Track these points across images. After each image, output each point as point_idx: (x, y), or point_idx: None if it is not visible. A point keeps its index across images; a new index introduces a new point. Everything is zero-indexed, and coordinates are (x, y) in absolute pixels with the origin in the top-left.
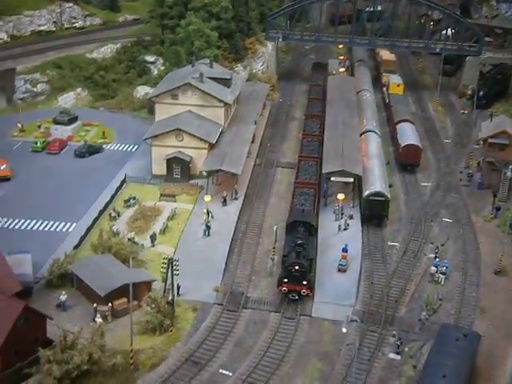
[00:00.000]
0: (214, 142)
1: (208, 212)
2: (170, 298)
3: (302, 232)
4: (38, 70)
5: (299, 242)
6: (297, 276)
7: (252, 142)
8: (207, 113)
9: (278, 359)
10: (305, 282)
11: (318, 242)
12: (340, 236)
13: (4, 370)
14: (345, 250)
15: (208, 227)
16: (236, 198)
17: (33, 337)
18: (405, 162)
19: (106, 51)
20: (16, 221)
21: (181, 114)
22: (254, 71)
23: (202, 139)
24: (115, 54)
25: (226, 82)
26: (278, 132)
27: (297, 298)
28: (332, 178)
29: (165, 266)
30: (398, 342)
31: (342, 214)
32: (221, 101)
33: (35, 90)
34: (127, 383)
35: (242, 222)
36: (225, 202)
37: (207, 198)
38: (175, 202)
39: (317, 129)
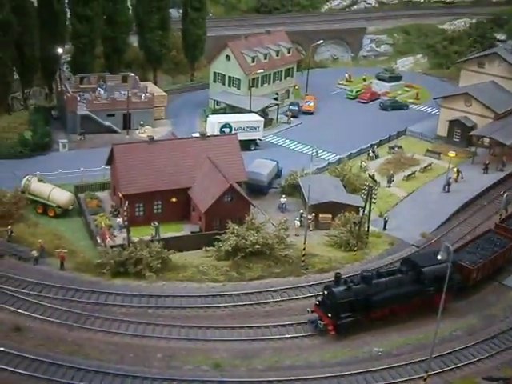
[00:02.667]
0: (500, 112)
1: (458, 171)
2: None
3: None
4: (386, 32)
5: None
6: None
7: None
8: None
9: None
10: None
11: None
12: None
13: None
14: None
15: (449, 183)
16: (502, 170)
17: (237, 216)
18: None
19: (458, 24)
20: (295, 143)
21: (482, 83)
22: None
23: (488, 107)
24: (467, 28)
25: None
26: None
27: None
28: None
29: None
30: None
31: None
32: None
33: (378, 49)
34: (291, 275)
35: (491, 191)
36: (486, 170)
37: (451, 154)
38: (439, 159)
39: None
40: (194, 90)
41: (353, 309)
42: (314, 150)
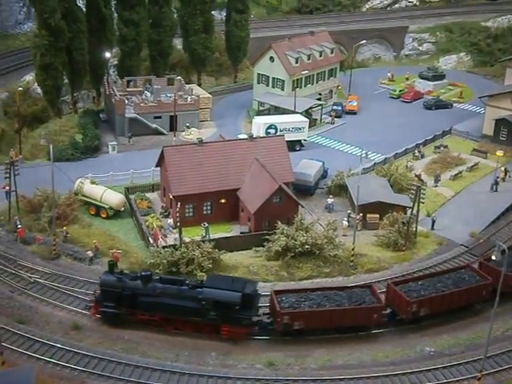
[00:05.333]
0: None
1: (505, 170)
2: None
3: None
4: (429, 31)
5: None
6: None
7: None
8: None
9: None
10: None
11: None
12: None
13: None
14: None
15: (496, 183)
16: None
17: (285, 216)
18: None
19: (502, 21)
20: (340, 143)
21: None
22: None
23: None
24: (511, 25)
25: None
26: None
27: None
28: None
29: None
30: None
31: None
32: None
33: (420, 48)
34: (340, 274)
35: None
36: None
37: (499, 153)
38: (485, 158)
39: None
40: (237, 91)
41: (119, 302)
42: (364, 152)
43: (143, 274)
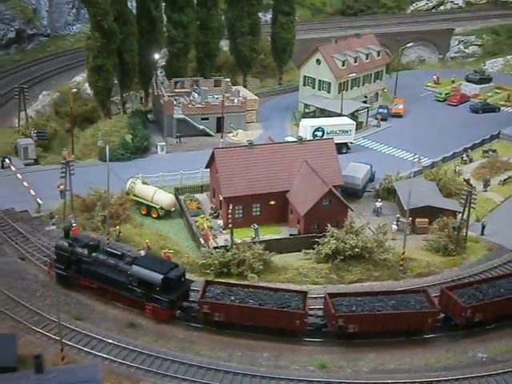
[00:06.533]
0: None
1: None
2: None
3: None
4: (475, 33)
5: None
6: None
7: None
8: None
9: None
10: None
11: None
12: None
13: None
14: None
15: None
16: None
17: (334, 219)
18: None
19: None
20: (386, 146)
21: None
22: None
23: None
24: None
25: None
26: None
27: None
28: None
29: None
30: None
31: None
32: None
33: (466, 51)
34: (390, 278)
35: None
36: None
37: None
38: None
39: None
40: (282, 93)
41: (67, 265)
42: (416, 156)
43: (90, 243)
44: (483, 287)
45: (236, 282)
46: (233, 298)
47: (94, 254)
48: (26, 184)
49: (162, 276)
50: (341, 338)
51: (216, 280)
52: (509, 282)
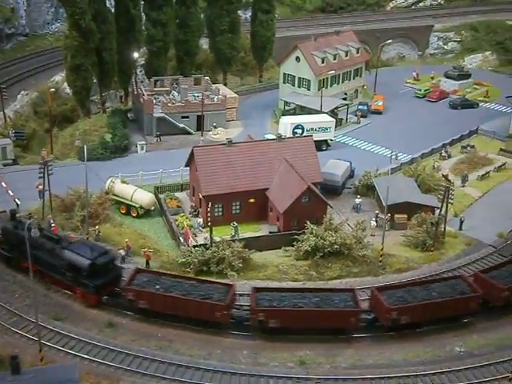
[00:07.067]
0: None
1: None
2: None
3: None
4: (454, 29)
5: None
6: None
7: None
8: None
9: None
10: None
11: None
12: None
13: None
14: None
15: None
16: None
17: (313, 216)
18: None
19: None
20: (366, 143)
21: None
22: None
23: None
24: None
25: None
26: None
27: None
28: None
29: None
30: None
31: None
32: None
33: (445, 47)
34: (369, 274)
35: None
36: None
37: None
38: None
39: None
40: (262, 90)
41: (11, 247)
42: (393, 153)
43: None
44: (415, 290)
45: (164, 272)
46: (158, 286)
47: (33, 237)
48: (4, 184)
49: (89, 261)
50: (265, 332)
51: (146, 269)
52: (443, 285)
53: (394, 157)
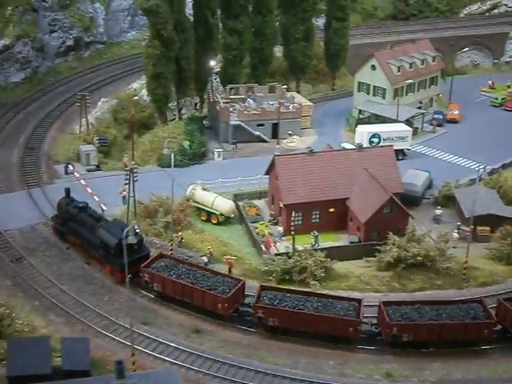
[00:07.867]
0: None
1: None
2: None
3: None
4: None
5: None
6: None
7: None
8: None
9: None
10: None
11: None
12: None
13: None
14: None
15: None
16: None
17: (395, 227)
18: None
19: None
20: (442, 153)
21: None
22: None
23: None
24: None
25: None
26: None
27: None
28: None
29: None
30: None
31: None
32: None
33: None
34: (452, 287)
35: None
36: None
37: None
38: None
39: None
40: (334, 98)
41: (62, 222)
42: (482, 166)
43: (80, 204)
44: (424, 309)
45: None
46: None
47: (80, 214)
48: (89, 190)
49: (117, 240)
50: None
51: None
52: (458, 308)
53: (482, 169)
